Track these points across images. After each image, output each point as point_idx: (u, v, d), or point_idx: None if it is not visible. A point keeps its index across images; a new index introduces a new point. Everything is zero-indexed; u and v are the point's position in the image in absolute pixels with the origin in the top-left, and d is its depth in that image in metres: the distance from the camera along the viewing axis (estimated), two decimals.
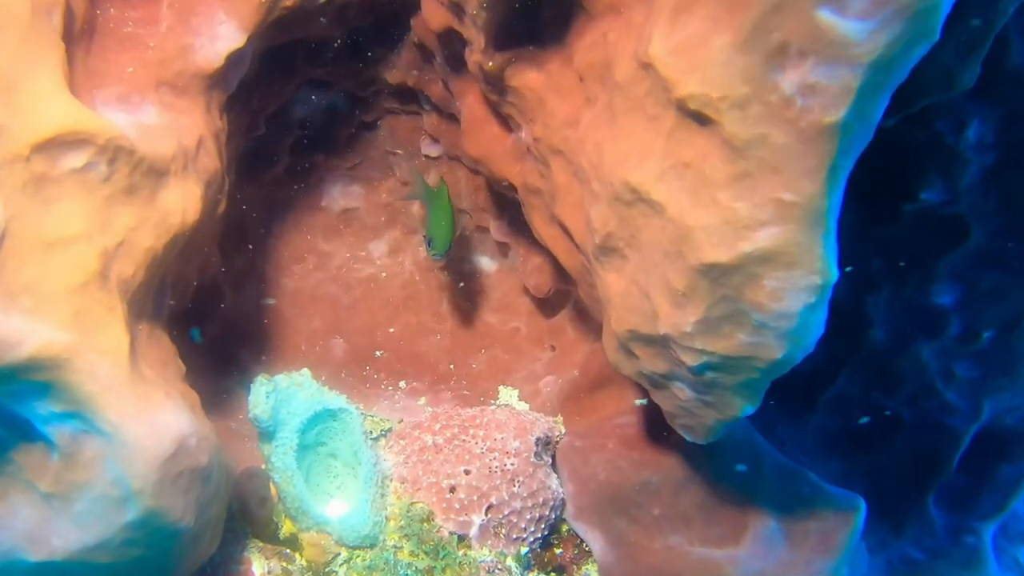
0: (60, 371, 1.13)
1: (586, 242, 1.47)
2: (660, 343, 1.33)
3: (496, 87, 1.64)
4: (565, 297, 2.11)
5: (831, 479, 1.79)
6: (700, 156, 1.15)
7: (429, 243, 1.93)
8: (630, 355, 1.43)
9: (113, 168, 1.24)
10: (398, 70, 2.03)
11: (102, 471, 1.17)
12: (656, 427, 1.74)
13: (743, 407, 1.35)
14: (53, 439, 1.17)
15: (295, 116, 2.14)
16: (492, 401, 2.10)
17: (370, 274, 2.27)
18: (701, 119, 1.13)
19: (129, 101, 1.36)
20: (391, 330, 2.22)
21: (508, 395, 2.11)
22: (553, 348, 2.15)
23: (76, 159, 1.20)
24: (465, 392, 2.14)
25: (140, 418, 1.18)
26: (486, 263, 2.26)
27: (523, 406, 2.06)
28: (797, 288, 1.14)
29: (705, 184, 1.15)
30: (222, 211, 1.60)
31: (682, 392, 1.40)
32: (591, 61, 1.43)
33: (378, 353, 2.19)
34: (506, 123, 1.75)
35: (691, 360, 1.29)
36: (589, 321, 2.04)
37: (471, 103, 1.81)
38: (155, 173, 1.32)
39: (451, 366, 2.19)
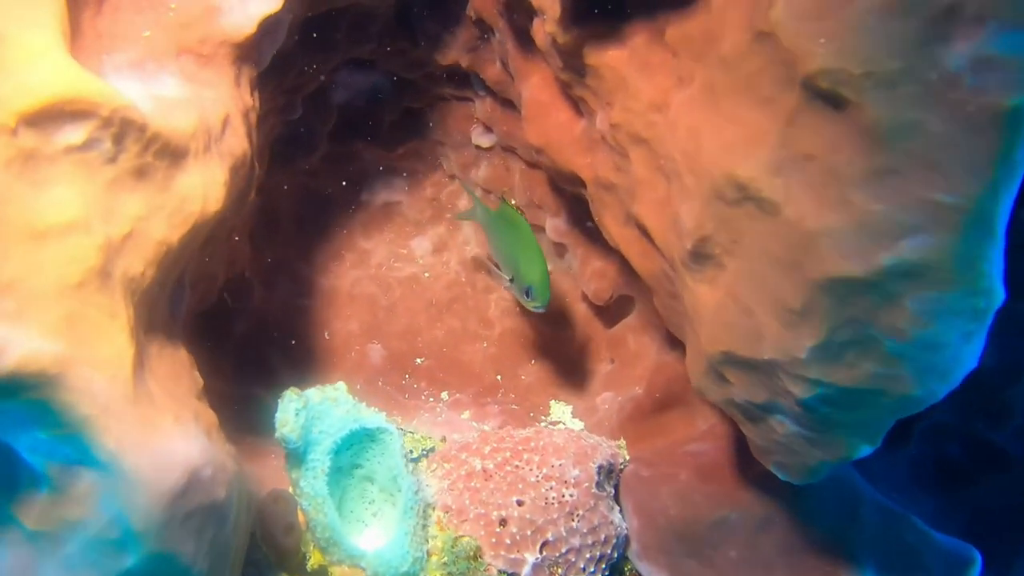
0: (49, 389, 0.97)
1: (671, 245, 1.32)
2: (763, 369, 1.18)
3: (570, 65, 1.52)
4: (627, 305, 2.00)
5: (924, 517, 1.63)
6: (829, 146, 0.99)
7: (527, 293, 1.66)
8: (721, 380, 1.28)
9: (120, 146, 1.07)
10: (451, 50, 1.97)
11: (98, 508, 1.02)
12: (737, 456, 1.61)
13: (858, 448, 1.21)
14: (41, 469, 1.02)
15: (335, 99, 2.07)
16: (542, 417, 2.01)
17: (412, 274, 2.19)
18: (835, 100, 0.96)
19: (144, 69, 1.20)
20: (434, 335, 2.13)
21: (561, 411, 2.01)
22: (612, 361, 2.03)
23: (75, 134, 1.02)
24: (513, 406, 2.04)
25: (144, 446, 1.02)
26: None
27: (577, 424, 1.96)
28: (951, 311, 0.98)
29: (834, 180, 0.99)
30: (251, 200, 1.44)
31: (782, 426, 1.25)
32: (688, 33, 1.28)
33: (419, 360, 2.09)
34: (576, 107, 1.64)
35: (801, 391, 1.13)
36: (653, 332, 1.93)
37: (535, 85, 1.69)
38: (171, 153, 1.16)
39: (498, 377, 2.09)
